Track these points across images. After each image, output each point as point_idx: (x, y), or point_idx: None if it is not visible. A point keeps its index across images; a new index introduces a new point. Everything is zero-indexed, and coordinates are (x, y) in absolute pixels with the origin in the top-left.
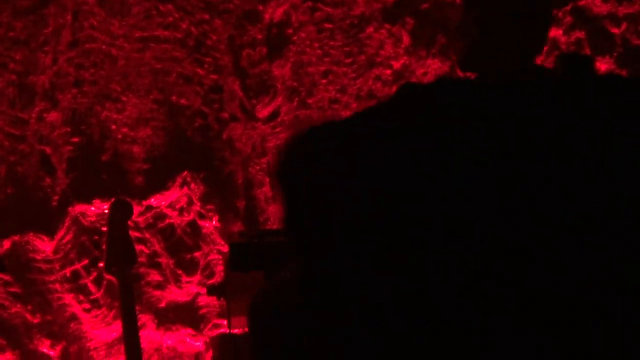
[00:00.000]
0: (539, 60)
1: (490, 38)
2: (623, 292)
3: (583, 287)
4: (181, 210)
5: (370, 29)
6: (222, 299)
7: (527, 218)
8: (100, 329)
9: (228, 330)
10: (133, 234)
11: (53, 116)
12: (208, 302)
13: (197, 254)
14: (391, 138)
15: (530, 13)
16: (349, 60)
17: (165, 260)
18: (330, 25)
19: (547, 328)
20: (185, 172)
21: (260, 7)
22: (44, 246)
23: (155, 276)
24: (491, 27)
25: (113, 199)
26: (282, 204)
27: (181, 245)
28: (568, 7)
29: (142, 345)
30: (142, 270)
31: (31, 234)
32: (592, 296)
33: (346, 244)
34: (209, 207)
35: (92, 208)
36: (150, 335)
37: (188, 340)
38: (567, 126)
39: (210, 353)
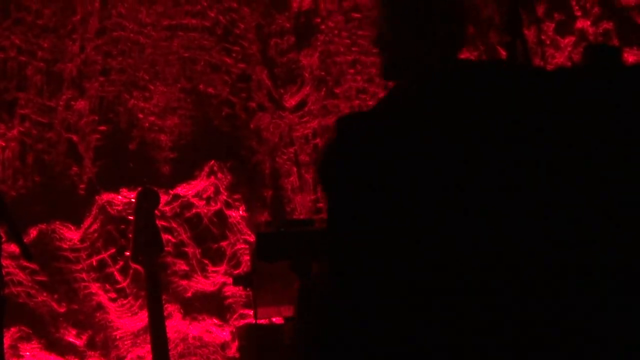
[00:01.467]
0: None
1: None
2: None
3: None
4: (208, 200)
5: None
6: (248, 289)
7: (560, 210)
8: (126, 319)
9: (254, 321)
10: (160, 223)
11: (80, 104)
12: (234, 292)
13: (223, 244)
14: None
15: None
16: (376, 50)
17: (191, 249)
18: (358, 15)
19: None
20: (212, 162)
21: None
22: (70, 235)
23: (181, 266)
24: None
25: (140, 188)
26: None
27: (208, 235)
28: None
29: (168, 335)
30: (168, 259)
31: (58, 222)
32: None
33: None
34: (235, 196)
35: (119, 197)
36: (176, 324)
37: (214, 330)
38: (594, 117)
39: (236, 343)
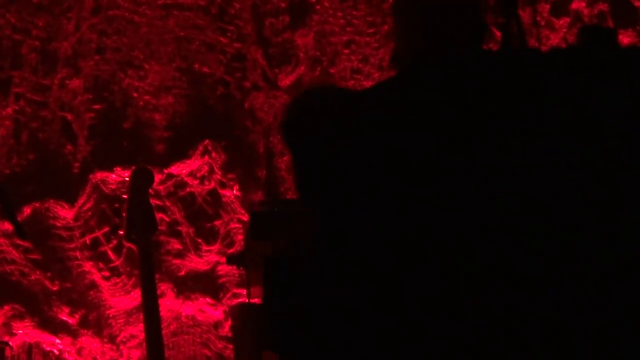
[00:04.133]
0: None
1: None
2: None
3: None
4: (202, 179)
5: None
6: (241, 268)
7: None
8: (120, 297)
9: (247, 300)
10: (154, 202)
11: (75, 83)
12: (227, 271)
13: (217, 223)
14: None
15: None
16: (371, 30)
17: (185, 228)
18: None
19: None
20: (207, 141)
21: None
22: (64, 213)
23: (175, 245)
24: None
25: (134, 167)
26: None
27: (201, 214)
28: None
29: (161, 314)
30: (162, 238)
31: (52, 200)
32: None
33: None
34: (229, 175)
35: (113, 175)
36: (169, 303)
37: (207, 309)
38: (590, 99)
39: (229, 322)
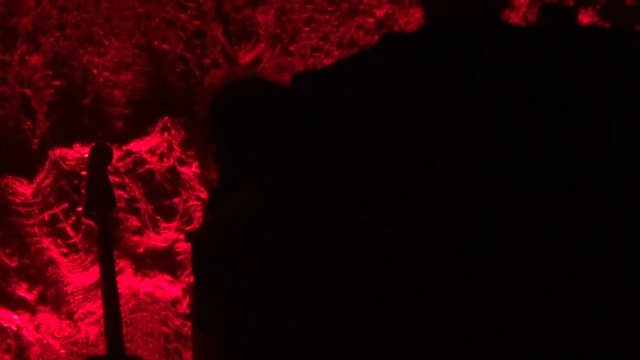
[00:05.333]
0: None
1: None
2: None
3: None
4: (161, 156)
5: None
6: None
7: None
8: (78, 274)
9: None
10: (112, 178)
11: (35, 59)
12: (186, 248)
13: (176, 200)
14: (372, 85)
15: None
16: (331, 8)
17: (144, 205)
18: None
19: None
20: (166, 118)
21: None
22: (23, 189)
23: (133, 221)
24: None
25: (93, 143)
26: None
27: (160, 191)
28: None
29: (120, 291)
30: (120, 215)
31: (10, 177)
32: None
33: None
34: (189, 153)
35: (72, 152)
36: (127, 280)
37: (165, 286)
38: (548, 79)
39: (187, 299)
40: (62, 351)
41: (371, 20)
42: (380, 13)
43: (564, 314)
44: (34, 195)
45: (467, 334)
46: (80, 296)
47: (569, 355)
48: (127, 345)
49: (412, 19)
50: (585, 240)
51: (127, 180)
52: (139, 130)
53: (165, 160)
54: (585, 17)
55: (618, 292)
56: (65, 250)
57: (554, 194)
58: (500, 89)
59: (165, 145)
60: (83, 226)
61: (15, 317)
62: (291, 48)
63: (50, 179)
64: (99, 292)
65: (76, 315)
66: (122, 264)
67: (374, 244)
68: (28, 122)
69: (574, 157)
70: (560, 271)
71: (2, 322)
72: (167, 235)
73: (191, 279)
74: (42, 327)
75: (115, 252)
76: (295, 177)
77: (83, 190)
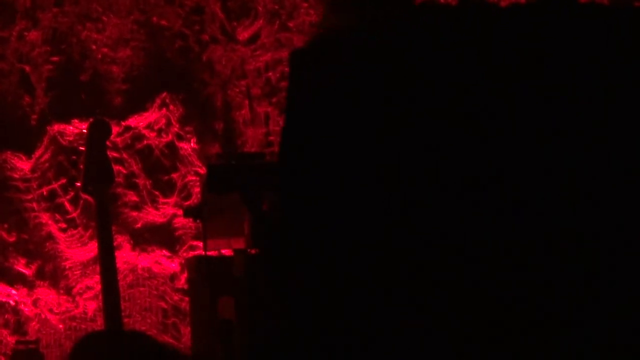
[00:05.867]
0: None
1: None
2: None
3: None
4: (159, 132)
5: None
6: (198, 220)
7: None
8: (76, 249)
9: (203, 252)
10: (111, 154)
11: (33, 35)
12: (184, 223)
13: (174, 176)
14: (371, 62)
15: None
16: None
17: (142, 181)
18: None
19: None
20: (165, 94)
21: None
22: (21, 165)
23: (132, 197)
24: None
25: (92, 119)
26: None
27: (159, 167)
28: None
29: (118, 266)
30: (119, 190)
31: (9, 152)
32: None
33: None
34: (187, 128)
35: (71, 127)
36: (125, 255)
37: (163, 261)
38: (547, 54)
39: (185, 274)
40: (61, 326)
41: None
42: None
43: (564, 315)
44: (33, 170)
45: (468, 335)
46: (78, 271)
47: (570, 355)
48: (125, 320)
49: None
50: (586, 240)
51: (125, 156)
52: (138, 106)
53: (164, 135)
54: None
55: (619, 293)
56: (63, 225)
57: (554, 188)
58: (501, 71)
59: (164, 120)
60: (81, 201)
61: (14, 292)
62: (290, 24)
63: (49, 155)
64: (97, 267)
65: (74, 290)
66: (120, 239)
67: (372, 240)
68: (27, 98)
69: (576, 147)
70: (561, 272)
71: (1, 297)
72: (166, 211)
73: (189, 254)
74: (40, 302)
75: (113, 227)
76: (295, 154)
77: (81, 166)
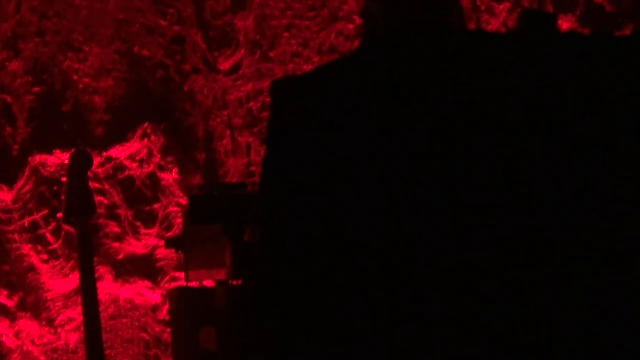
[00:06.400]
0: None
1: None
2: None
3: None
4: (141, 162)
5: None
6: (180, 251)
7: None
8: (58, 280)
9: (185, 284)
10: (92, 185)
11: (15, 65)
12: (166, 254)
13: (156, 206)
14: (352, 92)
15: None
16: (312, 14)
17: (124, 212)
18: None
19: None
20: (146, 124)
21: None
22: (3, 196)
23: (113, 228)
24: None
25: (73, 150)
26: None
27: (140, 197)
28: None
29: (100, 297)
30: (101, 221)
31: None
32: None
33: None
34: (169, 159)
35: (53, 158)
36: (107, 287)
37: (145, 292)
38: (528, 84)
39: (167, 306)
40: (43, 358)
41: (351, 26)
42: (360, 19)
43: (565, 314)
44: (14, 201)
45: (469, 336)
46: (60, 303)
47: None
48: (107, 352)
49: None
50: (587, 242)
51: (107, 187)
52: (119, 136)
53: (146, 166)
54: (565, 23)
55: (620, 293)
56: (45, 256)
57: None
58: (483, 96)
59: (146, 151)
60: (63, 232)
61: None
62: (271, 54)
63: (31, 185)
64: (79, 299)
65: (56, 322)
66: (102, 270)
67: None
68: (8, 129)
69: (554, 166)
70: (561, 272)
71: None
72: (148, 242)
73: (171, 285)
74: (22, 334)
75: (95, 259)
76: (276, 184)
77: (63, 197)
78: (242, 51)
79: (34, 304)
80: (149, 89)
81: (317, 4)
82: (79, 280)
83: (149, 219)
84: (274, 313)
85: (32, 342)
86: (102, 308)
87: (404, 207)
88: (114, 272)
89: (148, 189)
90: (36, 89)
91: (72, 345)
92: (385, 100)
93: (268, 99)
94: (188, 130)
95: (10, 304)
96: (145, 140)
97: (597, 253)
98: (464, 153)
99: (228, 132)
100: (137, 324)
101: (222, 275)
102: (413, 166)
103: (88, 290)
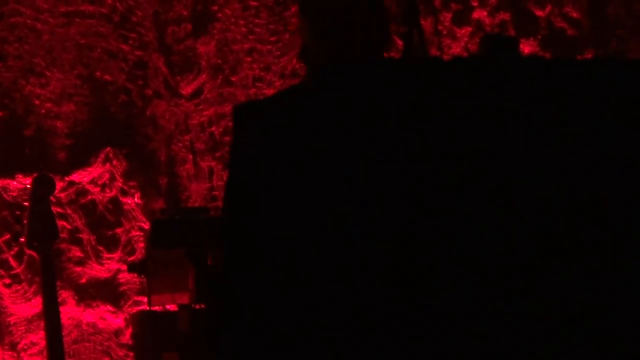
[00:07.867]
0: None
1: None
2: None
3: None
4: (103, 187)
5: (295, 8)
6: (142, 276)
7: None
8: (21, 304)
9: (148, 308)
10: (55, 209)
11: None
12: (129, 278)
13: (118, 231)
14: (314, 116)
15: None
16: (273, 39)
17: (86, 236)
18: (255, 3)
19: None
20: (108, 149)
21: None
22: None
23: (76, 252)
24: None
25: (35, 174)
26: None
27: (103, 222)
28: None
29: (62, 321)
30: (63, 246)
31: None
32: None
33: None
34: (131, 183)
35: (15, 182)
36: (70, 311)
37: (108, 316)
38: (491, 108)
39: (130, 330)
40: None
41: None
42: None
43: (565, 315)
44: None
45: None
46: (23, 327)
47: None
48: None
49: None
50: (587, 243)
51: (69, 211)
52: (81, 161)
53: (108, 190)
54: (527, 47)
55: (620, 293)
56: (7, 281)
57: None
58: (445, 119)
59: (108, 175)
60: (25, 257)
61: None
62: (233, 78)
63: None
64: (42, 323)
65: (19, 346)
66: (64, 294)
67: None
68: None
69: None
70: (561, 272)
71: None
72: (110, 266)
73: (134, 309)
74: None
75: (57, 283)
76: (238, 208)
77: (25, 221)
78: (204, 76)
79: None
80: (111, 113)
81: (278, 29)
82: (41, 305)
83: (112, 243)
84: (236, 336)
85: None
86: (65, 332)
87: (363, 228)
88: (76, 297)
89: (110, 213)
90: None
91: None
92: (347, 123)
93: (230, 124)
94: (150, 154)
95: None
96: (108, 164)
97: (597, 253)
98: (417, 178)
99: (190, 157)
100: (100, 348)
101: (185, 299)
102: (372, 188)
103: (51, 315)
